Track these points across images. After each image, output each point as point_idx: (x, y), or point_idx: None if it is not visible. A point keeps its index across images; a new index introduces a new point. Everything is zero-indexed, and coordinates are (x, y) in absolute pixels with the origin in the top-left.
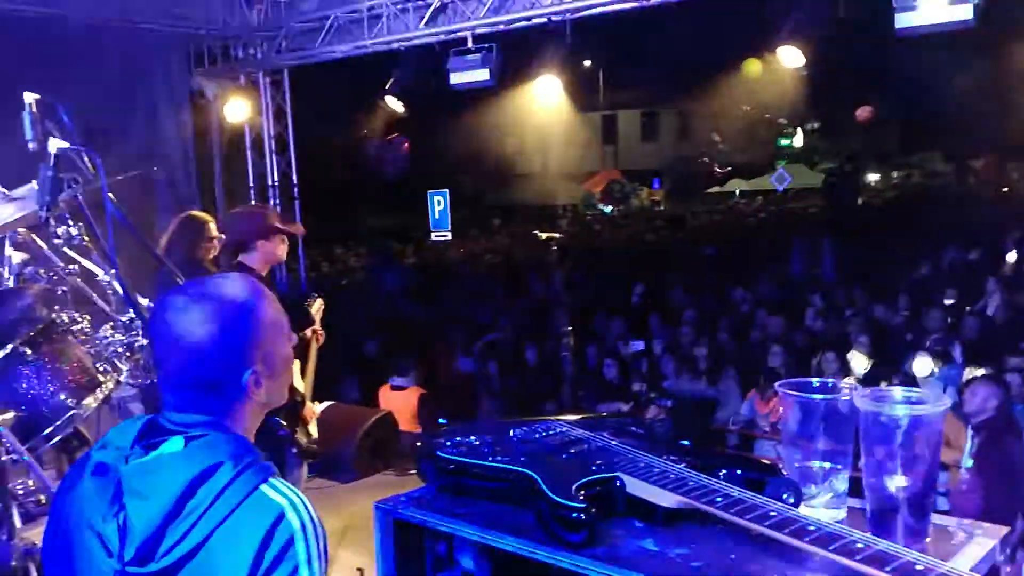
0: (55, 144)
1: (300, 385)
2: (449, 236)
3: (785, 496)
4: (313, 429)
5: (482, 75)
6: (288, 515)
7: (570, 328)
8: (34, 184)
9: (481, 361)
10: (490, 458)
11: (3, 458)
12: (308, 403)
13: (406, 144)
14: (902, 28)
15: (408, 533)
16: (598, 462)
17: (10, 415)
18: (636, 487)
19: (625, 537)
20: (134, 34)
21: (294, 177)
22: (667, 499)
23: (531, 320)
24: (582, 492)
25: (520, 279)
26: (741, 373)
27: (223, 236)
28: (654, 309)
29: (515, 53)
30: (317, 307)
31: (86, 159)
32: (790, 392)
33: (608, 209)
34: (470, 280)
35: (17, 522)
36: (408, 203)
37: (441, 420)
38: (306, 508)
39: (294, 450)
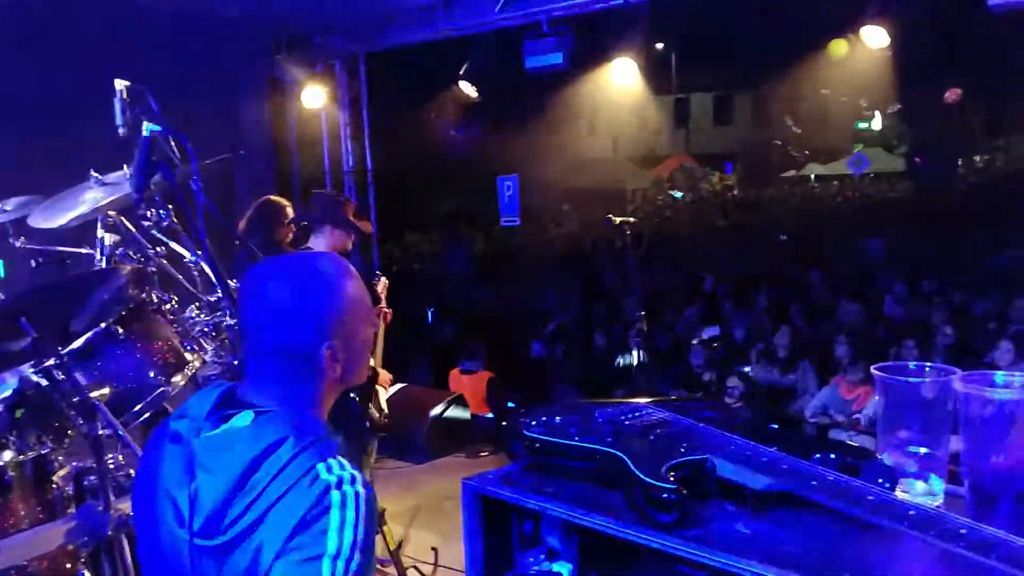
0: (148, 128)
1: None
2: (518, 221)
3: (880, 481)
4: (384, 403)
5: (556, 59)
6: (333, 490)
7: (642, 313)
8: (126, 169)
9: (550, 346)
10: (577, 438)
11: (100, 432)
12: (381, 371)
13: (479, 129)
14: (996, 3)
15: (495, 510)
16: (687, 444)
17: (106, 390)
18: (727, 469)
19: (716, 519)
20: (216, 22)
21: (369, 163)
22: (759, 481)
23: (601, 305)
24: (672, 473)
25: (590, 264)
26: (818, 361)
27: (297, 218)
28: (728, 295)
29: (589, 36)
30: (382, 286)
31: (172, 143)
32: (887, 375)
33: (679, 194)
34: (539, 265)
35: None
36: (479, 189)
37: (510, 404)
38: (355, 484)
39: (366, 424)
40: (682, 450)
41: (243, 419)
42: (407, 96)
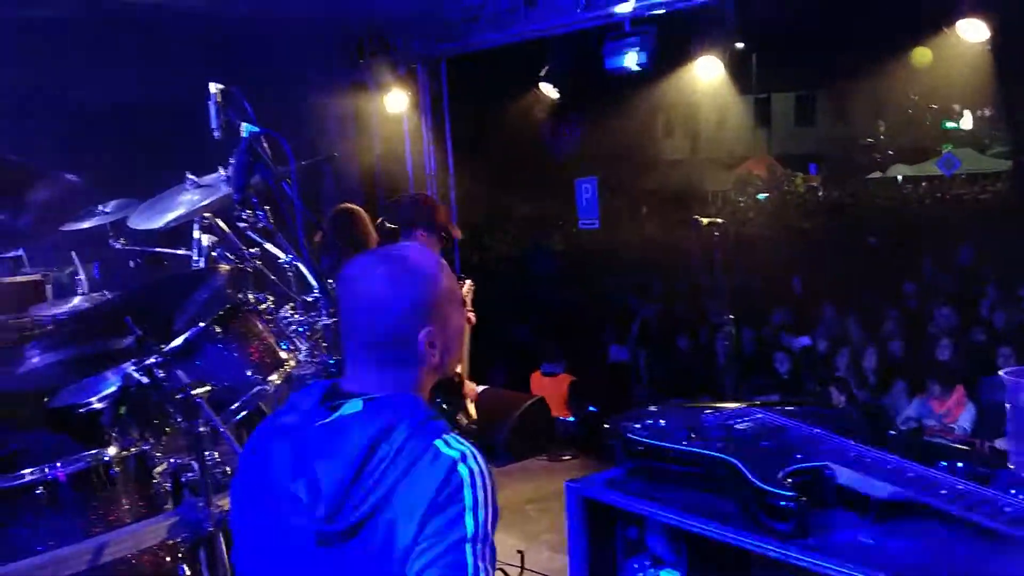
0: (247, 129)
1: (457, 367)
2: (597, 224)
3: (1013, 491)
4: (472, 410)
5: (638, 59)
6: (459, 465)
7: (731, 317)
8: (221, 171)
9: (631, 349)
10: (684, 442)
11: (201, 428)
12: (467, 381)
13: (559, 131)
14: None
15: (599, 515)
16: (802, 450)
17: (207, 388)
18: (846, 476)
19: (837, 528)
20: (301, 26)
21: (450, 166)
22: (881, 490)
23: (683, 308)
24: (789, 480)
25: (671, 266)
26: (911, 371)
27: (385, 220)
28: (813, 300)
29: (669, 35)
30: (467, 289)
31: (265, 145)
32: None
33: (761, 196)
34: (619, 267)
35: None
36: (557, 190)
37: (591, 408)
38: (476, 459)
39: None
40: (798, 456)
41: (353, 406)
42: (488, 98)
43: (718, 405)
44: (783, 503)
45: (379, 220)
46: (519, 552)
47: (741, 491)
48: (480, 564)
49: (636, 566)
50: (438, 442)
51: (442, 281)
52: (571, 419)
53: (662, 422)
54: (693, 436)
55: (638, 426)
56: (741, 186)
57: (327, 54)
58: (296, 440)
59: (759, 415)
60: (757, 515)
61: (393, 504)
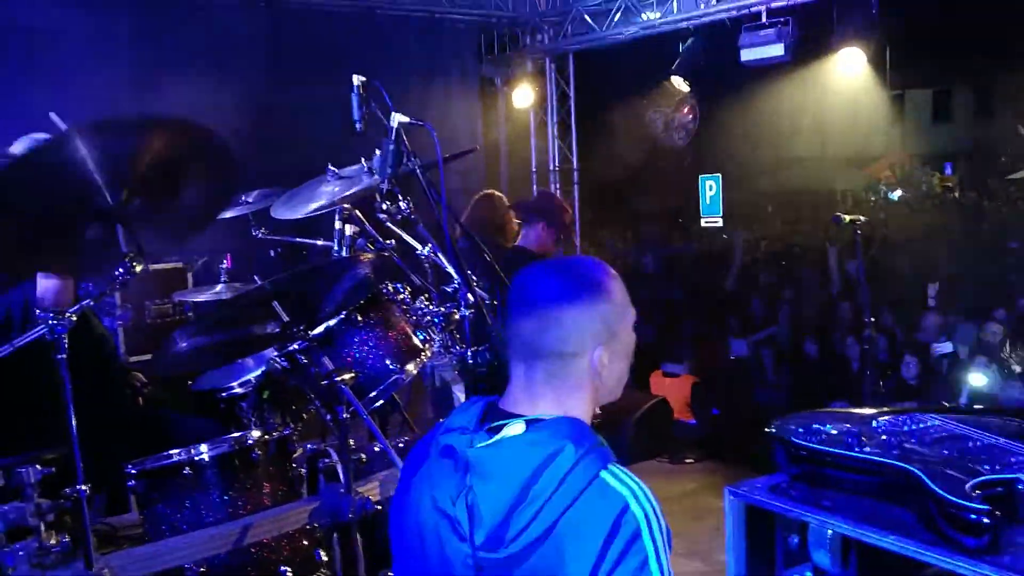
0: (396, 119)
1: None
2: (720, 222)
3: None
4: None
5: (776, 51)
6: (632, 506)
7: (873, 319)
8: (364, 162)
9: (756, 351)
10: (857, 449)
11: (345, 415)
12: None
13: (686, 125)
14: None
15: (759, 521)
16: (988, 460)
17: (353, 375)
18: None
19: None
20: (432, 24)
21: (574, 161)
22: None
23: (812, 309)
24: (978, 492)
25: (799, 267)
26: None
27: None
28: (950, 304)
29: (807, 28)
30: None
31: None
32: None
33: (895, 195)
34: (743, 267)
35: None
36: (681, 186)
37: (715, 411)
38: (647, 498)
39: None
40: (987, 468)
41: (515, 428)
42: (615, 93)
43: (884, 410)
44: (974, 517)
45: (512, 204)
46: None
47: (923, 502)
48: None
49: None
50: (604, 473)
51: (617, 294)
52: (692, 421)
53: (828, 427)
54: (864, 442)
55: (802, 431)
56: (873, 186)
57: (457, 50)
58: (456, 462)
59: (934, 421)
60: (943, 529)
61: (558, 537)
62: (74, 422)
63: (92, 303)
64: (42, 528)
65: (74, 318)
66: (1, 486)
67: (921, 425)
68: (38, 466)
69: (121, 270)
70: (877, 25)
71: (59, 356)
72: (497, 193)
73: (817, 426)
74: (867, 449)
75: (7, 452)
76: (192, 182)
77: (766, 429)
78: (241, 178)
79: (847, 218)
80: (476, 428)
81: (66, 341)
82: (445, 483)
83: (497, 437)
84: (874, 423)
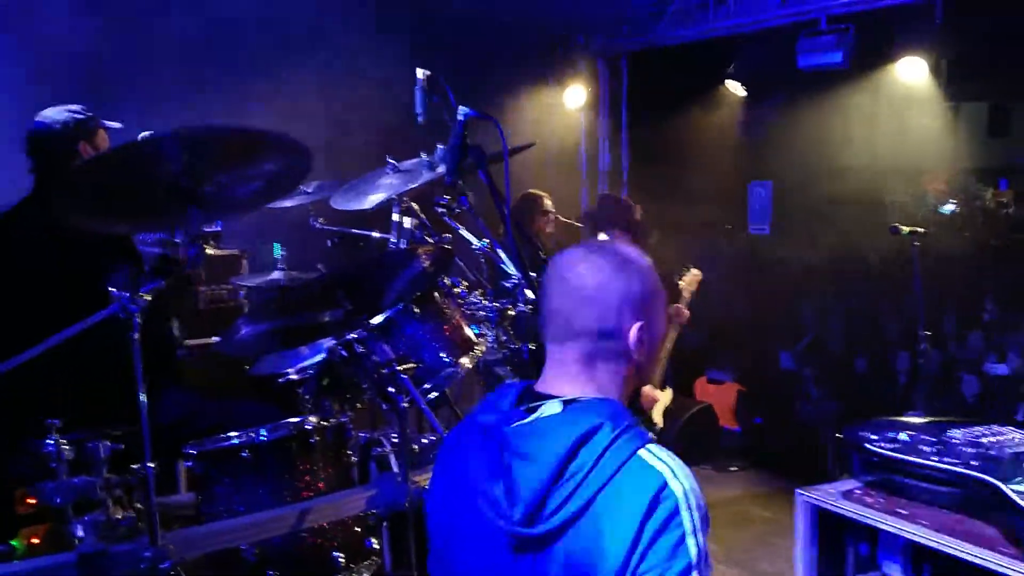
0: (463, 112)
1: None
2: (767, 230)
3: None
4: (658, 416)
5: (835, 57)
6: (671, 483)
7: (927, 333)
8: (423, 156)
9: (801, 362)
10: (934, 458)
11: (404, 404)
12: (647, 390)
13: (738, 130)
14: None
15: (830, 526)
16: None
17: (412, 364)
18: None
19: None
20: (489, 22)
21: (624, 163)
22: None
23: (861, 321)
24: None
25: (847, 278)
26: None
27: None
28: (1004, 322)
29: (867, 35)
30: (689, 279)
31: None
32: None
33: (945, 209)
34: (790, 276)
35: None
36: (729, 193)
37: (758, 420)
38: (686, 475)
39: None
40: None
41: (552, 408)
42: (669, 95)
43: (958, 420)
44: None
45: (552, 211)
46: None
47: (1007, 516)
48: None
49: None
50: (642, 452)
51: (652, 276)
52: (737, 429)
53: (903, 435)
54: (942, 452)
55: (875, 437)
56: (924, 198)
57: (513, 49)
58: (494, 440)
59: (1014, 435)
60: None
61: (596, 513)
62: (143, 400)
63: (164, 283)
64: (109, 502)
65: (147, 298)
66: (71, 460)
67: (1000, 437)
68: (108, 442)
69: (193, 251)
70: (940, 36)
71: (131, 335)
72: (534, 191)
73: (891, 433)
74: (946, 459)
75: (73, 428)
76: (263, 166)
77: (837, 435)
78: (309, 166)
79: (905, 229)
80: (512, 409)
81: (139, 320)
82: (483, 462)
83: (533, 416)
84: (950, 432)
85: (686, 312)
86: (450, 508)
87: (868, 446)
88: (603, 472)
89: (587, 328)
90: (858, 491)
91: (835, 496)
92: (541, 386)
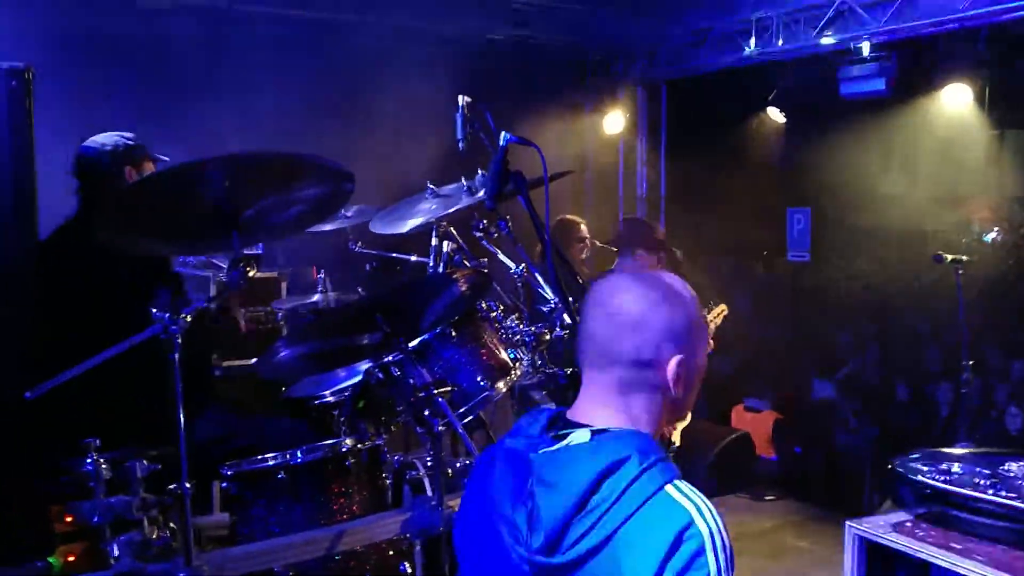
0: (505, 137)
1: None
2: (807, 257)
3: None
4: (676, 437)
5: (878, 85)
6: (697, 521)
7: (972, 362)
8: (463, 180)
9: (840, 392)
10: (990, 491)
11: (440, 427)
12: None
13: (776, 158)
14: None
15: (878, 559)
16: None
17: (449, 388)
18: None
19: None
20: (524, 48)
21: (662, 189)
22: None
23: (901, 351)
24: None
25: (886, 307)
26: None
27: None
28: None
29: (910, 64)
30: (716, 313)
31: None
32: None
33: (990, 237)
34: (829, 304)
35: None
36: (768, 219)
37: (797, 449)
38: (713, 515)
39: None
40: None
41: (580, 436)
42: (708, 122)
43: (1010, 452)
44: None
45: (588, 237)
46: None
47: None
48: None
49: None
50: (669, 487)
51: (695, 313)
52: (774, 457)
53: (955, 467)
54: (998, 485)
55: (927, 468)
56: (965, 227)
57: (551, 77)
58: (519, 466)
59: None
60: None
61: (617, 547)
62: (182, 421)
63: (205, 304)
64: (145, 522)
65: (188, 319)
66: (109, 479)
67: None
68: (145, 461)
69: (235, 274)
70: (984, 63)
71: (172, 356)
72: (570, 217)
73: (943, 464)
74: (1002, 492)
75: (111, 447)
76: (305, 191)
77: (888, 466)
78: (351, 191)
79: (949, 257)
80: (542, 434)
81: (179, 341)
82: (507, 487)
83: (561, 444)
84: (1006, 466)
85: (711, 343)
86: (475, 533)
87: (920, 478)
88: (627, 506)
89: (625, 356)
90: (909, 523)
91: (885, 528)
92: (572, 413)
